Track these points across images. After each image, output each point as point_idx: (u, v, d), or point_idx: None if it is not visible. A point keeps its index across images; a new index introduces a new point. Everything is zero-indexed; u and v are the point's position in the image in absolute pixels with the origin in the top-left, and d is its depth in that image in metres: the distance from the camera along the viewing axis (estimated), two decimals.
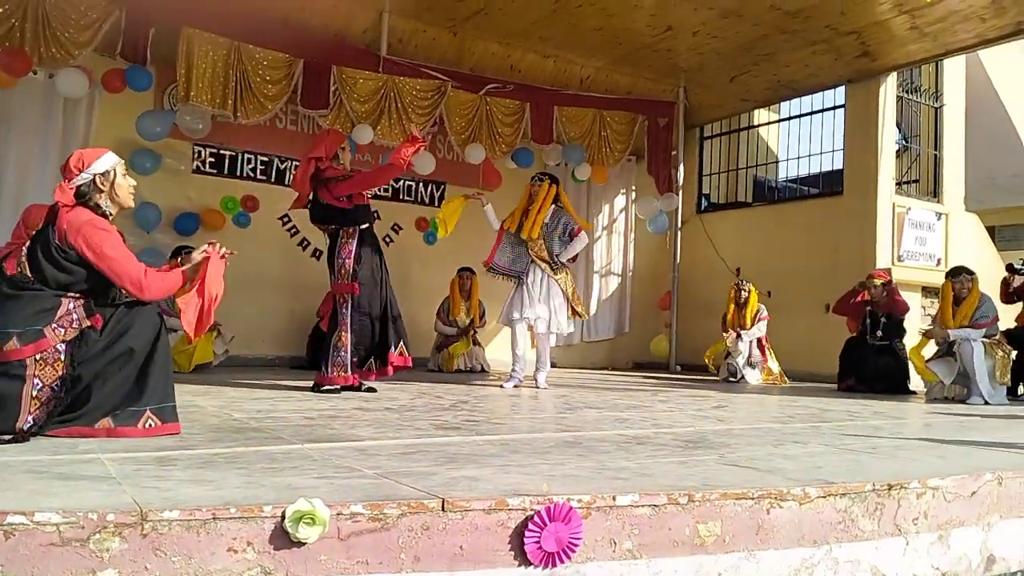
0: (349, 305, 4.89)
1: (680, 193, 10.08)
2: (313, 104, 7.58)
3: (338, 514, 1.69)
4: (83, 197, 2.80)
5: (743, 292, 8.05)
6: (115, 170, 2.88)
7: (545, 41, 8.49)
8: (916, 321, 8.22)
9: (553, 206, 6.09)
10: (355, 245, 4.92)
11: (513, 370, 6.18)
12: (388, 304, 5.00)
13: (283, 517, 1.65)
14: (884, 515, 2.22)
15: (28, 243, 2.72)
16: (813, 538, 2.11)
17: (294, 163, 8.44)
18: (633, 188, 10.56)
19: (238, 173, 8.18)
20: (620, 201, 10.59)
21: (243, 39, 7.20)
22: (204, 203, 7.92)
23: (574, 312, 6.10)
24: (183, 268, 2.99)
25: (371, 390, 5.04)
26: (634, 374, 9.12)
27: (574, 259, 6.31)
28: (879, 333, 7.11)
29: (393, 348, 4.94)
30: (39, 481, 1.92)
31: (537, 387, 6.04)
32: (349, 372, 4.91)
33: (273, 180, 8.34)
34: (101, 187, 2.84)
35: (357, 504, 1.73)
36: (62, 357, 2.64)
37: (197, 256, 3.01)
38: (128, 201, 2.94)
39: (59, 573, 1.53)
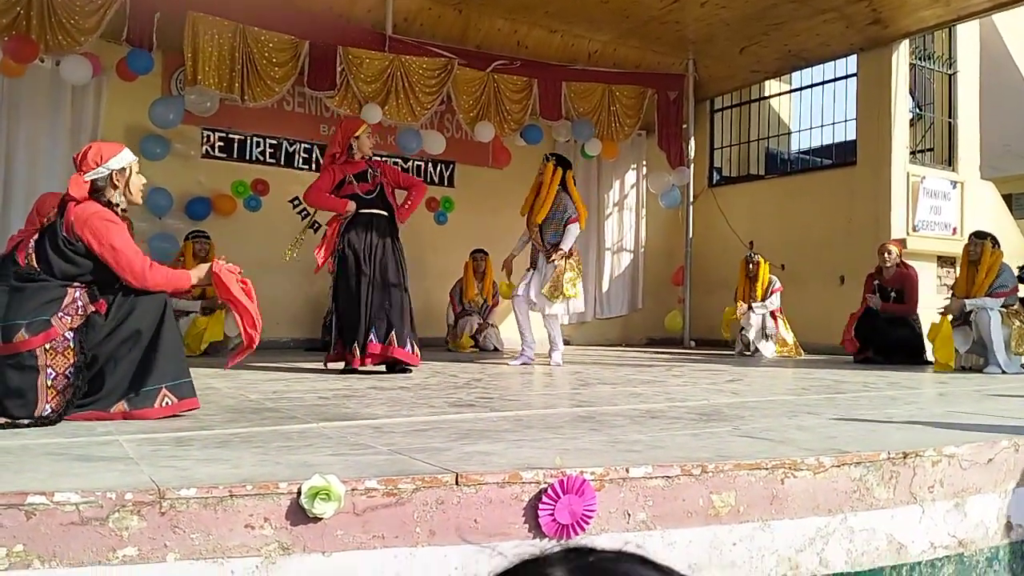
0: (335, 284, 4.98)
1: (691, 167, 9.99)
2: (320, 85, 7.54)
3: (353, 490, 1.71)
4: (97, 192, 2.83)
5: (751, 265, 8.02)
6: (131, 167, 2.90)
7: (551, 16, 8.40)
8: (931, 292, 8.15)
9: (560, 190, 6.00)
10: (343, 227, 4.93)
11: (523, 349, 6.18)
12: (373, 290, 4.86)
13: (299, 493, 1.67)
14: (899, 483, 2.21)
15: (36, 235, 2.74)
16: (828, 507, 2.11)
17: (303, 145, 8.45)
18: (644, 163, 10.48)
19: (247, 157, 8.19)
20: (631, 176, 10.52)
21: (248, 22, 7.16)
22: (215, 187, 7.94)
23: (555, 291, 5.83)
24: (192, 271, 3.03)
25: (405, 371, 4.99)
26: (648, 350, 9.11)
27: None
28: None
29: (376, 338, 4.79)
30: (58, 463, 1.95)
31: (551, 366, 6.04)
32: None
33: (282, 163, 8.35)
34: (116, 183, 2.86)
35: (372, 480, 1.75)
36: (71, 344, 2.67)
37: (205, 267, 3.05)
38: (139, 198, 2.99)
39: (80, 551, 1.55)
